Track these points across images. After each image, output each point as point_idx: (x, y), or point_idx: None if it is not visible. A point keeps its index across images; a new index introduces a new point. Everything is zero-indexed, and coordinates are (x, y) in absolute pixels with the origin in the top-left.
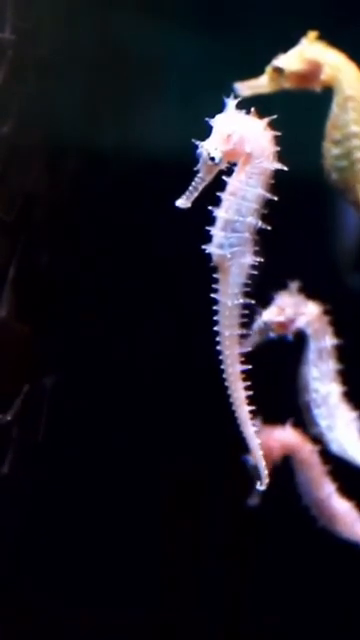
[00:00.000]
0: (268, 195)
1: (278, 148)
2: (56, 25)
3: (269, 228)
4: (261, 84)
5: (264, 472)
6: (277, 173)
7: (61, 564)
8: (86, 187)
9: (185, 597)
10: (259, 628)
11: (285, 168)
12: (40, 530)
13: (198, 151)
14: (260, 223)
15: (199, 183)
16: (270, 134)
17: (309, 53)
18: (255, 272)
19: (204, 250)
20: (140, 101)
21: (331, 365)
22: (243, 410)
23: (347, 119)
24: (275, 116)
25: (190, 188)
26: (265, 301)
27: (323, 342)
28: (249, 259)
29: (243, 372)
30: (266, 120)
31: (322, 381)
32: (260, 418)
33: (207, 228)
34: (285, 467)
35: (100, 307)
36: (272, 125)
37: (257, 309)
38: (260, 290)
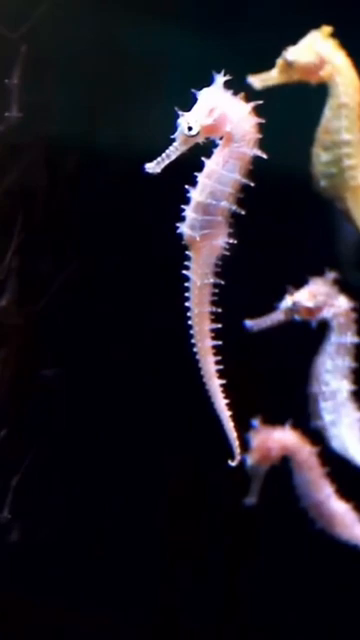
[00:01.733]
0: (245, 181)
1: (260, 135)
2: (56, 24)
3: (243, 212)
4: (272, 76)
5: (236, 446)
6: (286, 175)
7: (61, 563)
8: (85, 186)
9: (184, 597)
10: (258, 628)
11: (264, 156)
12: (40, 528)
13: (178, 120)
14: (235, 207)
15: (172, 152)
16: (254, 120)
17: (318, 47)
18: (228, 253)
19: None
20: (140, 100)
21: (347, 362)
22: (213, 383)
23: (340, 126)
24: (261, 102)
25: (163, 155)
26: (269, 298)
27: (344, 338)
28: (221, 241)
29: (213, 347)
30: (252, 104)
31: (334, 375)
32: (260, 418)
33: (182, 207)
34: (284, 469)
35: (100, 305)
36: (259, 112)
37: (288, 288)
38: (264, 287)
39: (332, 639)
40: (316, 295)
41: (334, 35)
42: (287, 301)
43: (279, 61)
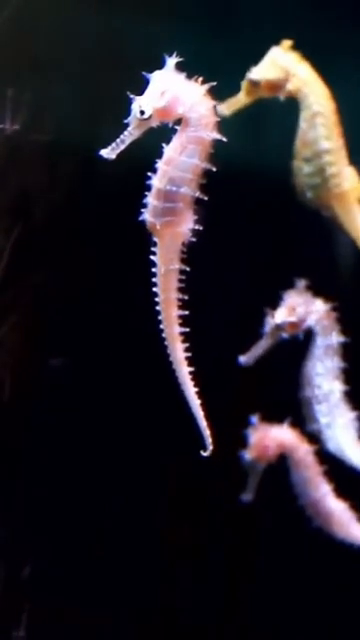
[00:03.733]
0: (205, 165)
1: (217, 118)
2: (56, 24)
3: (206, 198)
4: (239, 99)
5: (207, 435)
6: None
7: (61, 562)
8: (85, 187)
9: (184, 597)
10: (256, 627)
11: (224, 139)
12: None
13: (132, 105)
14: (198, 193)
15: (127, 137)
16: (210, 103)
17: (281, 61)
18: (194, 239)
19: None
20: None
21: (335, 362)
22: (182, 370)
23: (317, 136)
24: (215, 83)
25: (117, 140)
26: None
27: (330, 339)
28: (184, 228)
29: (182, 334)
30: (206, 87)
31: (326, 378)
32: (258, 415)
33: (145, 193)
34: (282, 467)
35: (99, 305)
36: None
37: (266, 310)
38: (266, 289)
39: (331, 638)
40: (295, 308)
41: (295, 47)
42: (270, 325)
43: (244, 83)
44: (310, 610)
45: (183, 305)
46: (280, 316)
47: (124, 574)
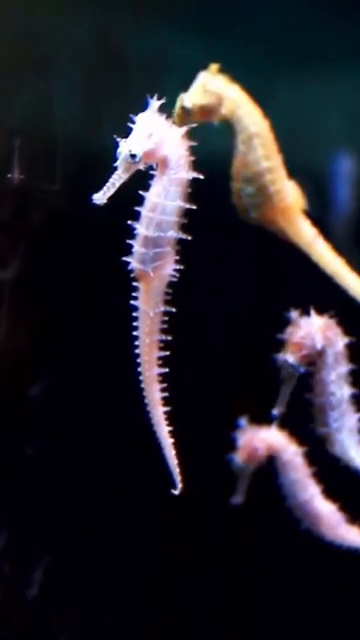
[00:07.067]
0: (187, 206)
1: (193, 158)
2: (57, 25)
3: (189, 238)
4: None
5: (177, 475)
6: None
7: (61, 563)
8: (85, 188)
9: (184, 597)
10: (257, 628)
11: (201, 176)
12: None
13: (119, 149)
14: (180, 234)
15: (117, 180)
16: (187, 143)
17: (211, 85)
18: (175, 279)
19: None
20: (140, 101)
21: (344, 367)
22: (157, 411)
23: (257, 156)
24: (194, 125)
25: (107, 184)
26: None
27: (337, 346)
28: (169, 269)
29: (160, 374)
30: (184, 129)
31: (338, 384)
32: (247, 418)
33: (128, 242)
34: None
35: (99, 307)
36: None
37: (277, 358)
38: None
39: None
40: (301, 343)
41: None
42: (286, 368)
43: (176, 110)
44: (303, 609)
45: (163, 346)
46: (292, 357)
47: (121, 576)
